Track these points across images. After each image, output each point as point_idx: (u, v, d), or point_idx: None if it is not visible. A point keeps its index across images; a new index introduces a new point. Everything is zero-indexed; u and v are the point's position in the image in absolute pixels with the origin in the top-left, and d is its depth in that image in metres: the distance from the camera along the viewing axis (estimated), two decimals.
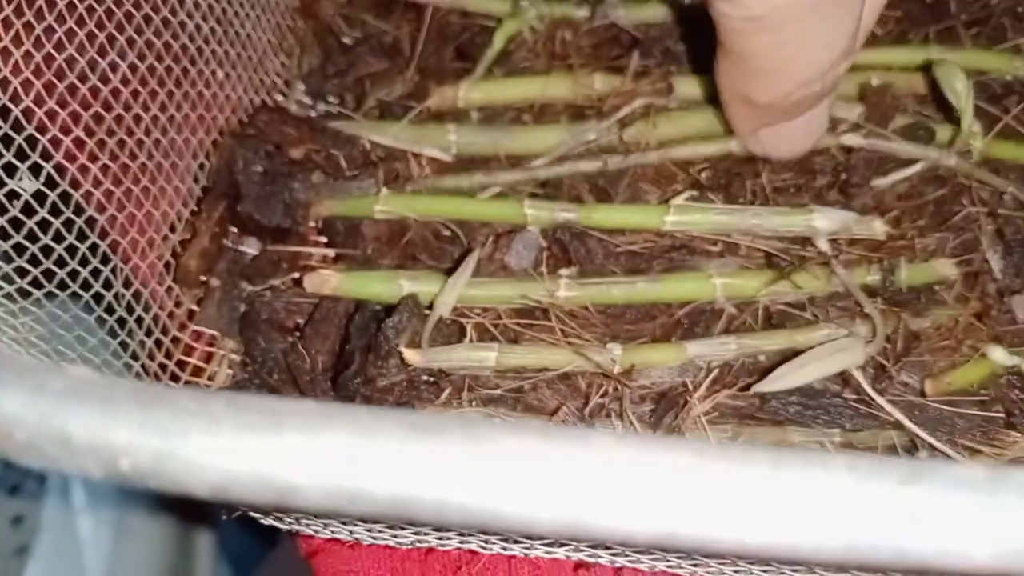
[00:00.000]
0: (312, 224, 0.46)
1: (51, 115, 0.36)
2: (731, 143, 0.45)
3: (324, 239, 0.46)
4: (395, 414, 0.18)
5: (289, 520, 0.34)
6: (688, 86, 0.47)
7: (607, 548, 0.33)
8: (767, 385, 0.38)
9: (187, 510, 0.84)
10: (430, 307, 0.41)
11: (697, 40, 0.50)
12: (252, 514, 0.34)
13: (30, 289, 0.34)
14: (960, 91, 0.44)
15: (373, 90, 0.50)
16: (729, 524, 0.17)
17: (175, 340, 0.42)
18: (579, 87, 0.48)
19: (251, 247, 0.45)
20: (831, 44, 0.36)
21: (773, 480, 0.17)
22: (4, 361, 0.19)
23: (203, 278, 0.43)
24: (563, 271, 0.42)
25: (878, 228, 0.42)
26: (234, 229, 0.45)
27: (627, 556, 0.34)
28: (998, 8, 0.51)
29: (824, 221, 0.42)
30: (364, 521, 0.27)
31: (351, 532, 0.33)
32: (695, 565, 0.33)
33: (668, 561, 0.33)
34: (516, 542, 0.33)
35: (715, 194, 0.44)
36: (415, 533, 0.32)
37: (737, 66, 0.38)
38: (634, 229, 0.43)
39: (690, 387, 0.39)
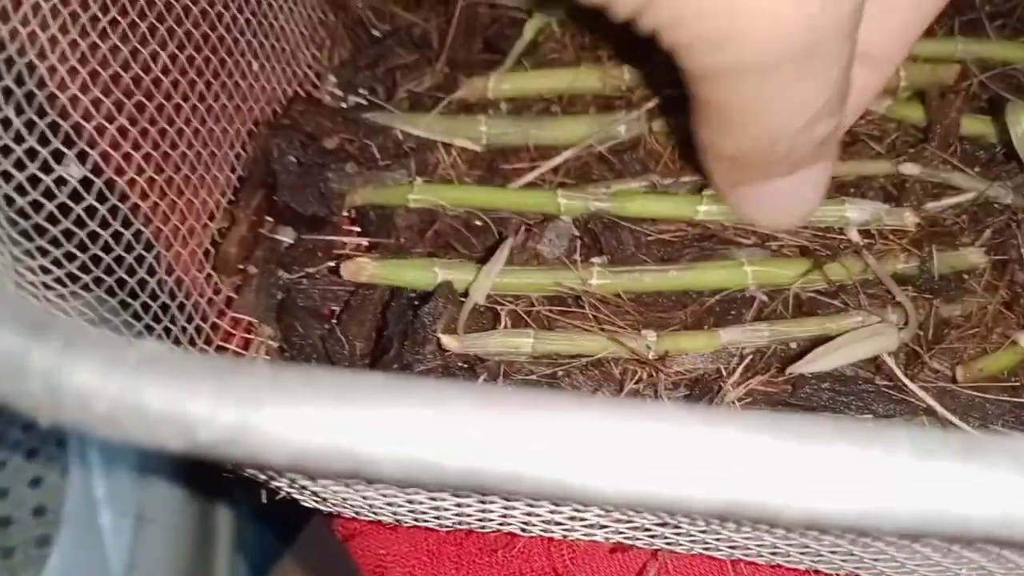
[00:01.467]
0: (346, 214, 0.47)
1: (96, 103, 0.37)
2: None
3: (357, 228, 0.47)
4: (464, 386, 0.19)
5: (334, 502, 0.34)
6: None
7: (646, 530, 0.33)
8: (801, 367, 0.38)
9: (207, 503, 0.84)
10: (464, 295, 0.42)
11: None
12: (296, 496, 0.34)
13: (79, 273, 0.34)
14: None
15: (403, 82, 0.51)
16: (790, 493, 0.17)
17: (214, 326, 0.42)
18: (608, 78, 0.48)
19: (287, 236, 0.46)
20: (801, 105, 0.34)
21: (830, 452, 0.18)
22: (78, 332, 0.20)
23: (241, 266, 0.44)
24: (595, 259, 0.43)
25: (909, 219, 0.43)
26: (270, 218, 0.46)
27: (666, 538, 0.34)
28: (1022, 0, 0.52)
29: (855, 212, 0.42)
30: (427, 492, 0.28)
31: (394, 513, 0.34)
32: (733, 548, 0.34)
33: (706, 543, 0.34)
34: (557, 524, 0.33)
35: None
36: (457, 515, 0.33)
37: (699, 113, 0.37)
38: (666, 219, 0.44)
39: (723, 373, 0.39)
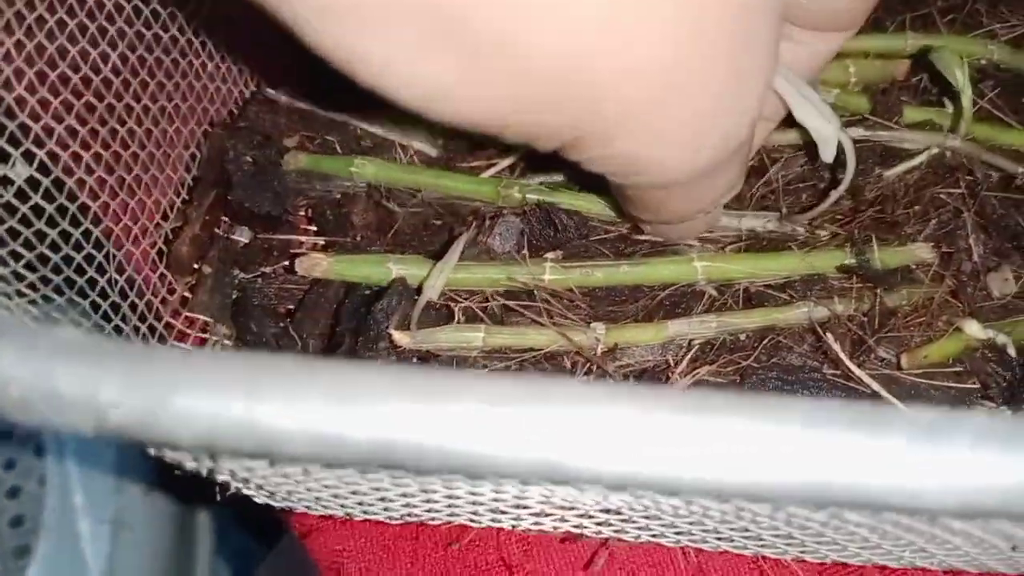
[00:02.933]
0: (303, 213, 0.47)
1: (44, 103, 0.37)
2: None
3: (314, 227, 0.47)
4: (367, 365, 0.19)
5: (281, 496, 0.34)
6: None
7: (591, 518, 0.34)
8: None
9: (186, 508, 0.84)
10: (419, 290, 0.42)
11: None
12: (246, 491, 0.34)
13: (24, 272, 0.34)
14: (959, 75, 0.45)
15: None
16: (684, 464, 0.18)
17: (168, 326, 0.43)
18: None
19: (242, 235, 0.46)
20: (712, 190, 0.36)
21: (725, 424, 0.18)
22: None
23: (195, 265, 0.44)
24: (548, 255, 0.43)
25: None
26: (226, 218, 0.46)
27: (612, 526, 0.34)
28: None
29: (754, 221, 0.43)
30: (362, 475, 0.28)
31: (342, 506, 0.34)
32: (679, 534, 0.34)
33: (652, 531, 0.34)
34: (503, 513, 0.33)
35: None
36: (405, 505, 0.33)
37: (618, 195, 0.39)
38: (599, 216, 0.44)
39: (671, 364, 0.40)
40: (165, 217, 0.44)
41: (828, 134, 0.38)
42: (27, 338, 0.20)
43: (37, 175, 0.36)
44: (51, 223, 0.36)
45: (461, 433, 0.17)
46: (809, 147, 0.45)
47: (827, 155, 0.39)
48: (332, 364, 0.19)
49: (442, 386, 0.18)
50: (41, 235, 0.35)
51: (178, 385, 0.19)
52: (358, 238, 0.46)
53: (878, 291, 0.41)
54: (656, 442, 0.17)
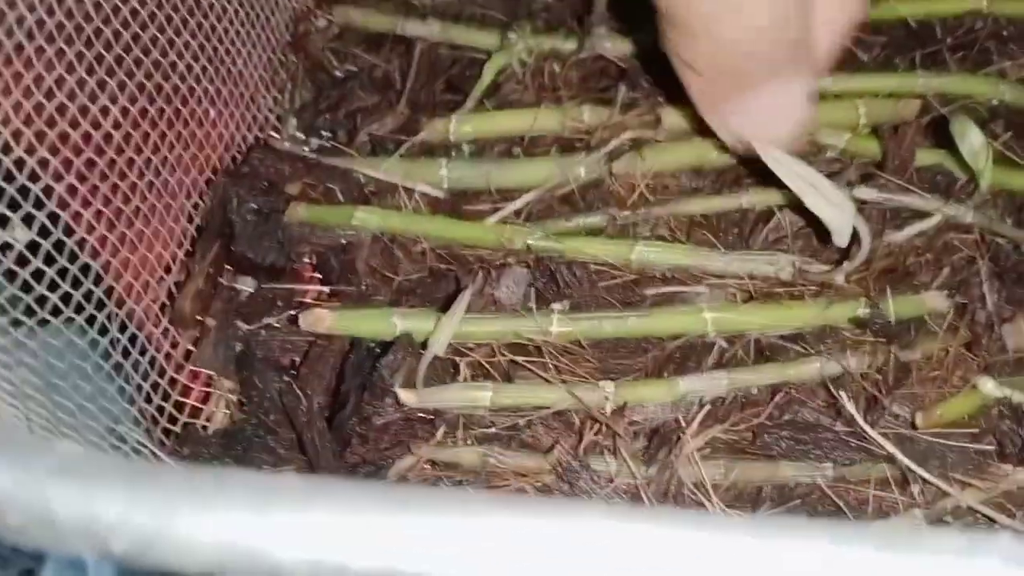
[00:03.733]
0: (307, 260, 0.47)
1: (43, 163, 0.36)
2: (742, 198, 0.45)
3: (319, 276, 0.47)
4: (377, 488, 0.19)
5: None
6: (675, 117, 0.47)
7: None
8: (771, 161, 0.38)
9: None
10: (424, 344, 0.41)
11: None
12: None
13: (24, 341, 0.34)
14: (978, 149, 0.43)
15: (364, 124, 0.51)
16: None
17: (172, 381, 0.42)
18: (568, 119, 0.48)
19: (246, 285, 0.45)
20: (756, 9, 0.36)
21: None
22: None
23: (199, 317, 0.43)
24: (555, 305, 0.43)
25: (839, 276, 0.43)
26: (229, 268, 0.45)
27: None
28: (983, 33, 0.52)
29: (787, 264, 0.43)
30: None
31: None
32: None
33: None
34: None
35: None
36: None
37: (666, 26, 0.38)
38: (603, 259, 0.44)
39: (683, 423, 0.39)
40: (168, 270, 0.43)
41: (842, 224, 0.38)
42: (23, 457, 0.19)
43: (38, 239, 0.35)
44: (52, 287, 0.35)
45: None
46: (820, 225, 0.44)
47: (841, 241, 0.39)
48: (339, 484, 0.19)
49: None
50: (42, 300, 0.35)
51: (182, 508, 0.18)
52: (363, 286, 0.45)
53: (892, 347, 0.40)
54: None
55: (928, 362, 0.41)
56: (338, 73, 0.54)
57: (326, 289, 0.46)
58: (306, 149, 0.51)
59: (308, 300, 0.46)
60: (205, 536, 0.18)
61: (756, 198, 0.45)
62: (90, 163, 0.39)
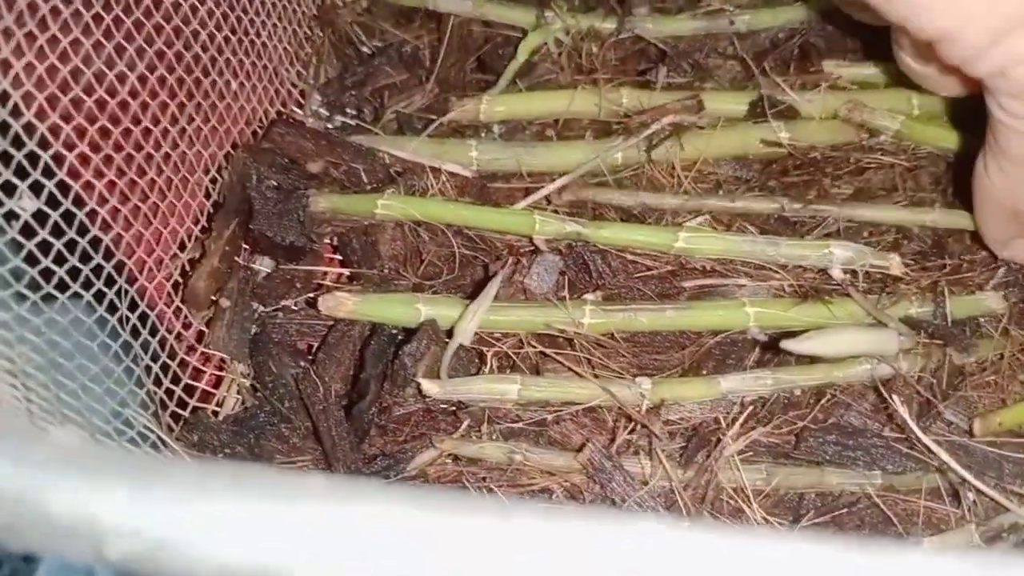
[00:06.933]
0: (328, 242, 0.44)
1: (54, 130, 0.34)
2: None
3: (340, 257, 0.45)
4: (407, 490, 0.17)
5: None
6: (718, 102, 0.45)
7: None
8: (793, 345, 0.36)
9: None
10: (449, 332, 0.39)
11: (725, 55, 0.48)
12: None
13: (29, 317, 0.32)
14: None
15: (391, 102, 0.49)
16: None
17: (183, 364, 0.40)
18: (605, 102, 0.46)
19: (264, 265, 0.43)
20: None
21: None
22: None
23: (214, 297, 0.41)
24: (588, 296, 0.40)
25: (895, 262, 0.40)
26: (246, 246, 0.43)
27: None
28: None
29: (840, 250, 0.40)
30: None
31: None
32: None
33: None
34: None
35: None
36: None
37: (997, 161, 0.36)
38: (642, 248, 0.41)
39: (723, 424, 0.37)
40: (182, 247, 0.41)
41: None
42: (18, 446, 0.17)
43: (46, 208, 0.33)
44: (59, 260, 0.33)
45: None
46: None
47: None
48: (363, 488, 0.17)
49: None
50: (48, 274, 0.33)
51: (192, 510, 0.16)
52: (385, 270, 0.43)
53: (947, 349, 0.38)
54: None
55: (983, 367, 0.38)
56: (365, 48, 0.52)
57: (346, 272, 0.44)
58: (329, 126, 0.49)
59: (328, 282, 0.44)
60: (212, 543, 0.16)
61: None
62: (104, 132, 0.37)
